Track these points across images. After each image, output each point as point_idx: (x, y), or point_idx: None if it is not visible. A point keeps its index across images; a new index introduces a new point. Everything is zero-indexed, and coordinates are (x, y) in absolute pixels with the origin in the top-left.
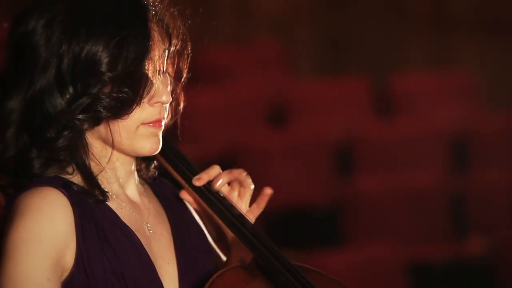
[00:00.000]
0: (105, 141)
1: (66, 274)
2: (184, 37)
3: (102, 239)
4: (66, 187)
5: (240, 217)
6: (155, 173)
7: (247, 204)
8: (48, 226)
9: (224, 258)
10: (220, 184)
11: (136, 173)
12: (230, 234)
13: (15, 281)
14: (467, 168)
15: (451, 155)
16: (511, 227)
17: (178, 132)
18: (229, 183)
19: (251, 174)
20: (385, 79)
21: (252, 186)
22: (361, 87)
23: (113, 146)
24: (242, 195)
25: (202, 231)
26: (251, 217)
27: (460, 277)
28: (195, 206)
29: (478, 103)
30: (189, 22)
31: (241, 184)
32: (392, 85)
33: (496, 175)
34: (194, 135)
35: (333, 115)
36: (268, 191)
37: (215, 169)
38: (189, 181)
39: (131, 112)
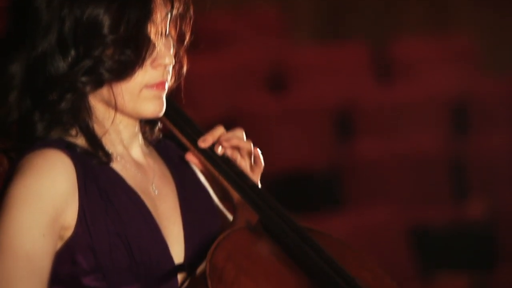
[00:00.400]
0: (108, 104)
1: (68, 233)
2: (186, 0)
3: (105, 200)
4: (69, 148)
5: (246, 178)
6: (159, 135)
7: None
8: (48, 184)
9: (230, 217)
10: (220, 151)
11: (140, 135)
12: (235, 195)
13: (10, 235)
14: (468, 133)
15: (452, 120)
16: (511, 191)
17: (182, 95)
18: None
19: (250, 139)
20: (385, 44)
21: (252, 146)
22: (361, 52)
23: (116, 109)
24: (244, 156)
25: (208, 192)
26: (255, 178)
27: (460, 240)
28: (200, 167)
29: (478, 68)
30: None
31: (240, 150)
32: (392, 50)
33: (496, 139)
34: (194, 101)
35: (333, 80)
36: (257, 151)
37: (220, 130)
38: (194, 143)
39: (133, 74)
